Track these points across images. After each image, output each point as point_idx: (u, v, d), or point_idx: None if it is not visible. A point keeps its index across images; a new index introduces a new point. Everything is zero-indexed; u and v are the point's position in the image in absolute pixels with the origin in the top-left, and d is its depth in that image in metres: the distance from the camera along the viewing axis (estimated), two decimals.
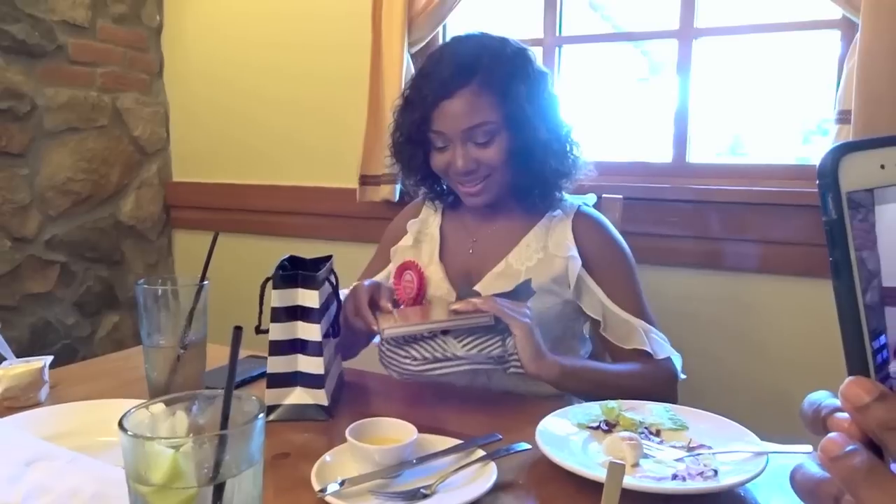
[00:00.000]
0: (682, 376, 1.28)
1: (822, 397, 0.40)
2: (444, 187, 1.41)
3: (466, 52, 1.27)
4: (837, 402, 0.38)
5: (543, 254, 1.30)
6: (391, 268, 1.41)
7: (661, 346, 1.27)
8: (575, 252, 1.28)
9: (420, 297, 1.33)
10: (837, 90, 1.73)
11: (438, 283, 1.34)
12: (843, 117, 1.69)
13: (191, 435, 0.55)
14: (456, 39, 1.32)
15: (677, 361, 1.28)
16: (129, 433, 0.50)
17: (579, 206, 1.36)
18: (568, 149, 1.31)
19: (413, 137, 1.32)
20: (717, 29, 2.01)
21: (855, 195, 0.36)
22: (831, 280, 0.37)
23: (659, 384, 1.24)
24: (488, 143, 1.25)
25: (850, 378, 0.36)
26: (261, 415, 0.53)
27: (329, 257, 1.14)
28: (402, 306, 1.37)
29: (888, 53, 1.59)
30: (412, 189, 1.47)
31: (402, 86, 2.16)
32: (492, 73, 1.24)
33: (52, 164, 2.40)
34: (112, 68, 2.58)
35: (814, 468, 0.38)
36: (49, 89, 2.36)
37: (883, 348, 0.36)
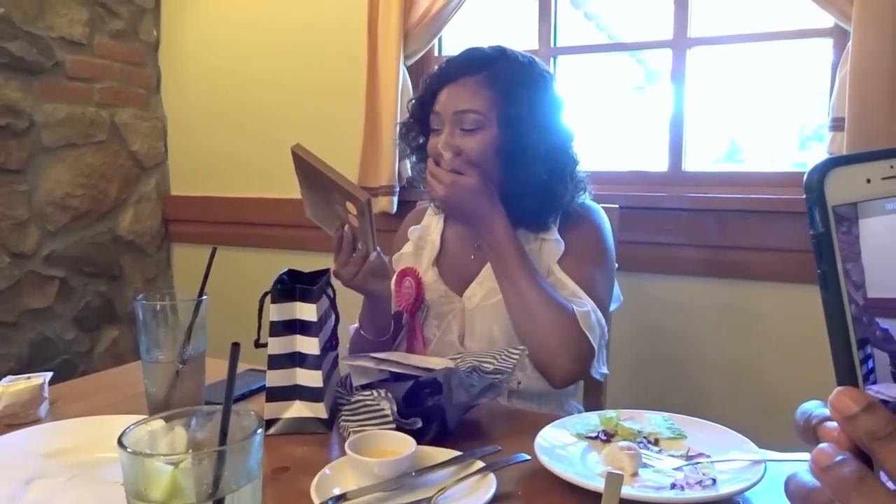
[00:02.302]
0: (603, 371, 1.27)
1: (813, 407, 0.40)
2: None
3: (487, 52, 1.32)
4: (828, 412, 0.38)
5: (536, 244, 1.32)
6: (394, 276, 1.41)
7: (591, 325, 1.21)
8: (558, 236, 1.31)
9: (418, 303, 1.34)
10: (831, 98, 1.74)
11: (434, 288, 1.35)
12: (837, 124, 1.70)
13: (190, 451, 0.55)
14: (489, 46, 1.35)
15: (601, 360, 1.26)
16: (129, 450, 0.50)
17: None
18: (567, 178, 1.30)
19: (417, 116, 1.36)
20: (711, 38, 2.02)
21: (841, 209, 0.36)
22: (820, 291, 0.37)
23: (568, 340, 1.19)
24: (473, 132, 1.26)
25: (839, 388, 0.37)
26: (259, 430, 0.53)
27: (326, 270, 1.15)
28: (405, 315, 1.37)
29: (880, 61, 1.60)
30: (415, 176, 1.49)
31: (399, 98, 2.18)
32: (501, 73, 1.28)
33: (50, 179, 2.40)
34: (110, 84, 2.59)
35: (807, 477, 0.38)
36: (47, 105, 2.37)
37: (870, 358, 0.37)
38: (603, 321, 1.26)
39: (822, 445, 0.37)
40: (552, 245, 1.30)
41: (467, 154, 1.26)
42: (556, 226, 1.32)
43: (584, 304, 1.23)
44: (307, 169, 1.18)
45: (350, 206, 1.16)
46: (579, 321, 1.20)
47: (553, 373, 1.23)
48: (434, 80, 1.33)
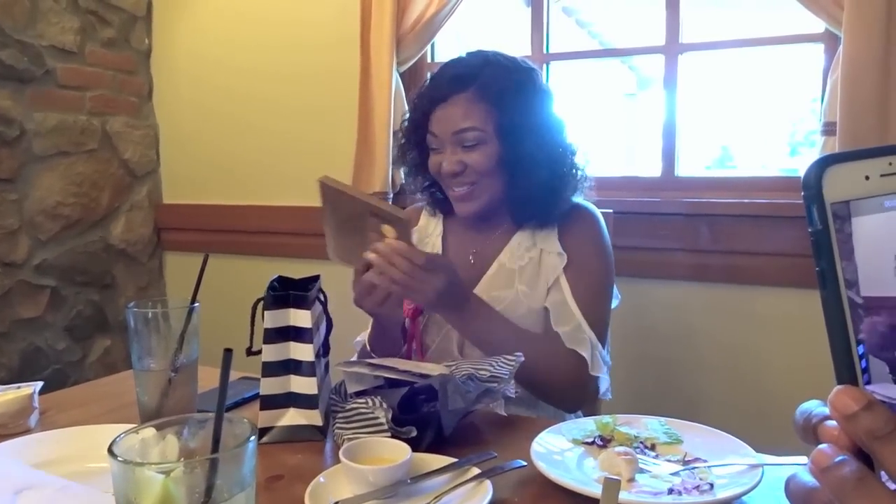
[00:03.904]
0: (608, 397, 1.29)
1: (812, 406, 0.40)
2: (443, 194, 1.40)
3: (470, 63, 1.31)
4: (827, 411, 0.38)
5: (535, 252, 1.31)
6: None
7: (598, 365, 1.26)
8: (561, 248, 1.30)
9: (420, 309, 1.33)
10: (822, 102, 1.75)
11: None
12: (829, 129, 1.71)
13: (181, 460, 0.54)
14: (468, 53, 1.35)
15: (603, 382, 1.28)
16: (119, 459, 0.50)
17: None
18: (568, 169, 1.31)
19: (412, 138, 1.37)
20: (702, 44, 2.03)
21: (838, 206, 0.36)
22: (818, 290, 0.37)
23: (571, 383, 1.25)
24: (475, 148, 1.27)
25: (839, 387, 0.36)
26: (252, 438, 0.52)
27: (317, 277, 1.14)
28: (406, 320, 1.36)
29: (871, 65, 1.61)
30: (411, 188, 1.50)
31: (391, 104, 2.18)
32: (489, 83, 1.27)
33: (41, 188, 2.39)
34: (101, 92, 2.58)
35: (807, 477, 0.38)
36: (38, 114, 2.36)
37: (864, 357, 0.36)
38: (606, 356, 1.28)
39: (821, 446, 0.37)
40: (554, 258, 1.30)
41: (473, 168, 1.27)
42: (555, 230, 1.32)
43: (586, 345, 1.24)
44: (335, 198, 1.15)
45: (387, 229, 1.14)
46: (589, 367, 1.23)
47: (562, 408, 1.28)
48: (424, 101, 1.32)
